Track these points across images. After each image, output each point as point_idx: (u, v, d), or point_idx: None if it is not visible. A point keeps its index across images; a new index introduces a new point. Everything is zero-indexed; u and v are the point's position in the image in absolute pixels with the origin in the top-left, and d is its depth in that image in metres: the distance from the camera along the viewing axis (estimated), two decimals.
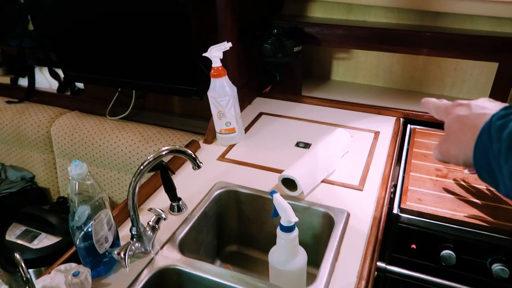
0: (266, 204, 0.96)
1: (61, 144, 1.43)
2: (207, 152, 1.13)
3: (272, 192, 0.79)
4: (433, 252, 0.92)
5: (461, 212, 0.88)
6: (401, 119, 1.27)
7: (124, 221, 0.88)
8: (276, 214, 0.79)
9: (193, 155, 0.71)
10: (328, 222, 0.90)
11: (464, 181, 0.98)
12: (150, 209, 0.81)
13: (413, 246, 0.94)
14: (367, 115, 1.31)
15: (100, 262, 0.74)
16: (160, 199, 0.95)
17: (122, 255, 0.71)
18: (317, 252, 0.92)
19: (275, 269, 0.78)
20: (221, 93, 1.07)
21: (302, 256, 0.80)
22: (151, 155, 0.70)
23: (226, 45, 1.04)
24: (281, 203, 0.76)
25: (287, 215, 0.75)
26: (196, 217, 0.89)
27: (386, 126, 1.24)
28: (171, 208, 0.90)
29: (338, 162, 1.04)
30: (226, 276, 0.74)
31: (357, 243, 0.82)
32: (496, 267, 0.85)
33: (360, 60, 1.49)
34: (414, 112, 1.28)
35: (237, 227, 1.04)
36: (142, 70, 1.24)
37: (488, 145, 0.43)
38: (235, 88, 1.10)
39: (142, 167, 0.71)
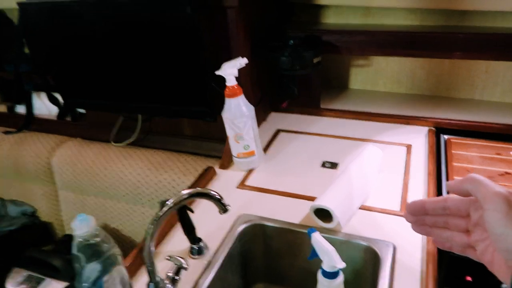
0: (297, 238, 0.85)
1: (63, 176, 1.32)
2: (225, 179, 1.02)
3: (310, 231, 0.68)
4: (493, 285, 0.80)
5: None
6: (433, 129, 1.16)
7: (138, 270, 0.77)
8: (314, 255, 0.68)
9: (218, 196, 0.60)
10: (371, 257, 0.78)
11: None
12: (168, 258, 0.70)
13: (468, 278, 0.82)
14: (394, 126, 1.20)
15: None
16: (177, 240, 0.84)
17: None
18: None
19: None
20: (238, 114, 0.96)
21: None
22: (171, 200, 0.59)
23: (241, 61, 0.94)
24: (322, 245, 0.65)
25: (331, 260, 0.64)
26: (220, 261, 0.78)
27: (417, 137, 1.13)
28: (191, 251, 0.79)
29: (373, 184, 0.93)
30: None
31: (411, 284, 0.70)
32: None
33: (380, 66, 1.38)
34: (446, 121, 1.17)
35: (263, 263, 0.92)
36: (148, 92, 1.14)
37: None
38: (252, 108, 0.99)
39: (161, 214, 0.60)
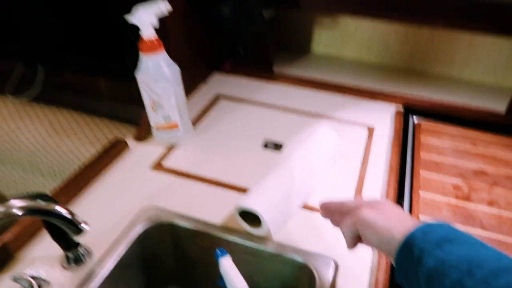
0: (215, 244, 0.65)
1: None
2: (138, 156, 0.80)
3: (219, 254, 0.48)
4: None
5: None
6: (402, 110, 0.97)
7: None
8: (223, 283, 0.49)
9: (66, 216, 0.38)
10: (306, 276, 0.60)
11: (494, 206, 0.71)
12: (15, 278, 0.48)
13: None
14: (357, 102, 1.01)
15: None
16: (47, 244, 0.61)
17: None
18: None
19: None
20: (156, 76, 0.73)
21: None
22: None
23: (162, 6, 0.69)
24: (231, 277, 0.46)
25: None
26: (107, 270, 0.57)
27: (382, 118, 0.94)
28: (66, 259, 0.58)
29: (321, 180, 0.74)
30: None
31: None
32: None
33: (349, 29, 1.17)
34: (417, 99, 0.99)
35: (175, 266, 0.73)
36: (51, 38, 0.87)
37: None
38: (177, 69, 0.75)
39: None
